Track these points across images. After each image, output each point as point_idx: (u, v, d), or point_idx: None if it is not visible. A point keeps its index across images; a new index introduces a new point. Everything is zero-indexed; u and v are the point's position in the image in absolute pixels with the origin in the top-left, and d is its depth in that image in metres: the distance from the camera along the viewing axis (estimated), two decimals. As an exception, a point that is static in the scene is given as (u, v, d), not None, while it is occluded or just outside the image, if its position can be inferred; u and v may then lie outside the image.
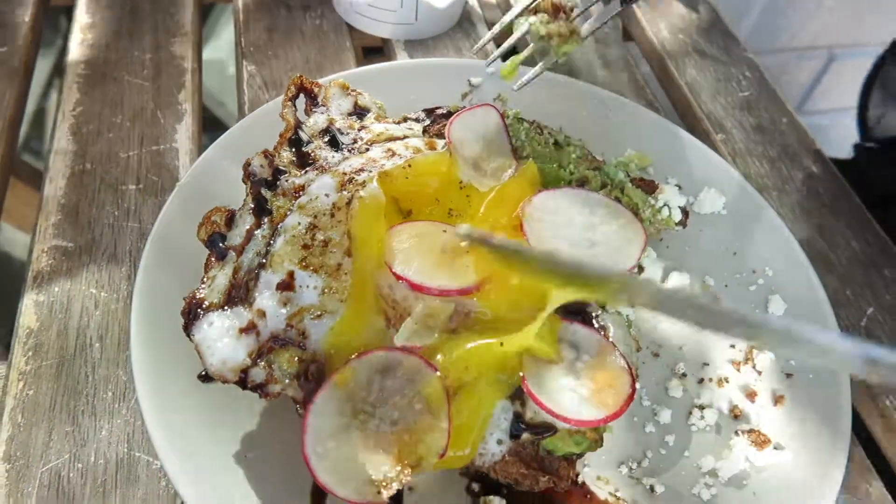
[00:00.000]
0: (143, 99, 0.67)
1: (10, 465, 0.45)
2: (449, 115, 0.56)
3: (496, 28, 0.55)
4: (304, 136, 0.51)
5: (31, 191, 0.93)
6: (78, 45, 0.71)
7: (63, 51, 0.71)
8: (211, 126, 0.75)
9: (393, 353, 0.38)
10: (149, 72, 0.70)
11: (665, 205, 0.56)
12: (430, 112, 0.58)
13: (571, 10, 0.53)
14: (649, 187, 0.57)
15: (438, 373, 0.38)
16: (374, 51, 0.86)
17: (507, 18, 0.54)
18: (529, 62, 0.55)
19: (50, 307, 0.52)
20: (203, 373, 0.45)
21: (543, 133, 0.58)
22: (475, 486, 0.44)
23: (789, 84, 1.57)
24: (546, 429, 0.40)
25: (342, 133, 0.52)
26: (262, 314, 0.41)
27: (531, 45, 0.54)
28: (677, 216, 0.56)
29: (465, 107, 0.55)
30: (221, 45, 1.20)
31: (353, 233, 0.41)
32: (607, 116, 0.66)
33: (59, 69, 1.03)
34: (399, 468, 0.38)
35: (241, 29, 0.75)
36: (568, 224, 0.46)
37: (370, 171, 0.46)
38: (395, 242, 0.42)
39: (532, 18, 0.52)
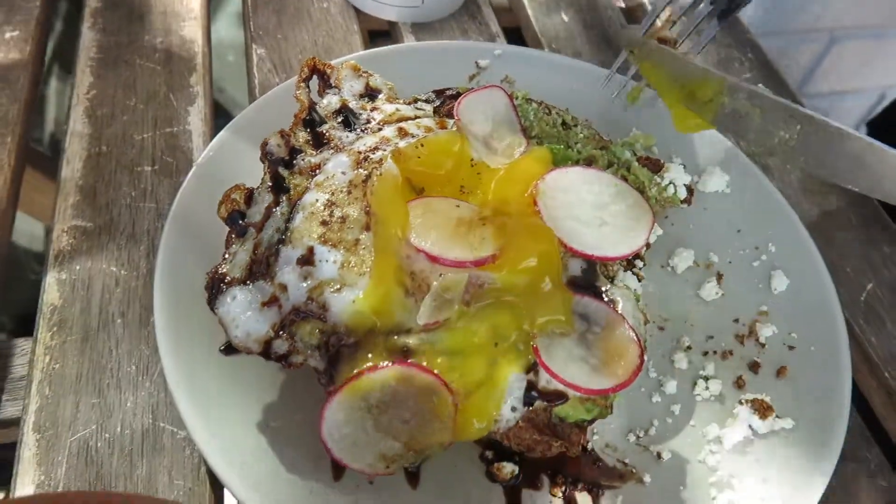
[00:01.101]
0: (155, 82, 0.68)
1: (40, 434, 0.46)
2: (458, 95, 0.57)
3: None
4: (317, 117, 0.52)
5: (34, 174, 0.93)
6: (89, 30, 0.72)
7: (61, 36, 0.71)
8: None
9: (408, 369, 0.40)
10: (160, 56, 0.71)
11: (671, 183, 0.57)
12: (439, 93, 0.59)
13: (676, 42, 0.59)
14: (655, 166, 0.58)
15: (449, 392, 0.39)
16: (381, 34, 0.87)
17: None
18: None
19: (72, 285, 0.54)
20: (224, 346, 0.47)
21: (551, 113, 0.59)
22: (489, 454, 0.46)
23: (790, 66, 1.58)
24: (558, 397, 0.41)
25: (355, 114, 0.53)
26: (284, 288, 0.42)
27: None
28: (682, 193, 0.57)
29: (472, 88, 0.57)
30: (218, 32, 1.20)
31: (373, 209, 0.43)
32: (612, 100, 0.67)
33: (57, 55, 1.03)
34: (408, 451, 0.40)
35: (249, 12, 0.76)
36: (579, 203, 0.47)
37: (384, 150, 0.48)
38: (413, 217, 0.43)
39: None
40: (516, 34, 0.87)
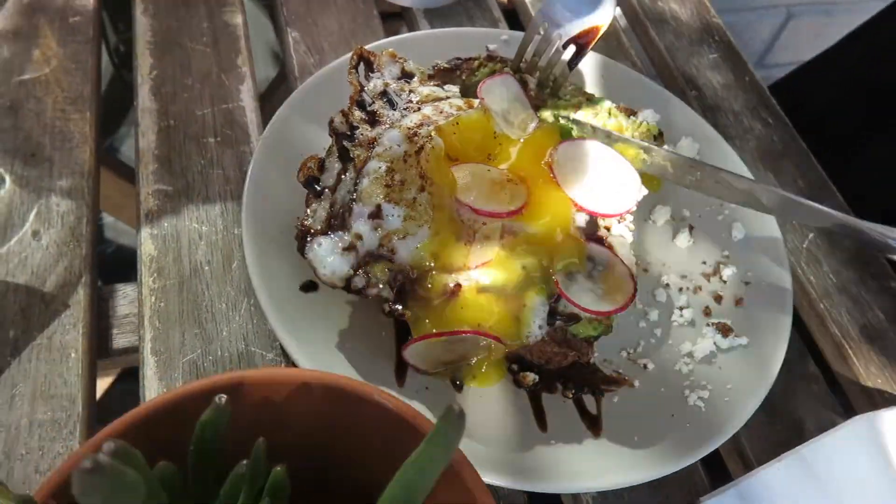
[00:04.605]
0: (207, 63, 0.78)
1: (157, 357, 0.58)
2: (472, 60, 0.70)
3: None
4: (368, 98, 0.63)
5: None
6: (142, 15, 0.81)
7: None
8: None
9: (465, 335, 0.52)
10: (208, 38, 0.80)
11: (644, 121, 0.69)
12: (461, 61, 0.70)
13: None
14: (629, 112, 0.70)
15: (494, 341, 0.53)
16: (393, 16, 0.97)
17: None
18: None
19: (163, 239, 0.64)
20: (303, 284, 0.59)
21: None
22: (514, 367, 0.59)
23: (752, 39, 1.71)
24: (573, 318, 0.54)
25: (396, 94, 0.64)
26: (360, 237, 0.54)
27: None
28: (655, 130, 0.68)
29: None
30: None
31: (427, 174, 0.54)
32: (600, 80, 0.79)
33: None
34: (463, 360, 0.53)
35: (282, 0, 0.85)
36: (585, 169, 0.59)
37: (428, 126, 0.59)
38: (458, 179, 0.55)
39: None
40: (514, 14, 0.98)
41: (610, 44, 0.90)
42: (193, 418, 0.33)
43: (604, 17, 0.68)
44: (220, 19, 0.82)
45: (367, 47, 0.68)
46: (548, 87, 0.70)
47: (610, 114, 0.69)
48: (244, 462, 0.32)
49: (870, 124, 1.11)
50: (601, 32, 0.67)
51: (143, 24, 0.80)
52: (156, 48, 0.78)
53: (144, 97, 0.74)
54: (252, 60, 0.80)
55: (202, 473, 0.34)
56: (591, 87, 0.79)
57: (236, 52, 0.79)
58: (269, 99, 0.77)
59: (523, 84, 0.66)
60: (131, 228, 1.21)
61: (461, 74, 0.70)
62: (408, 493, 0.28)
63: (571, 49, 0.68)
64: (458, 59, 0.71)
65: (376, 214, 0.54)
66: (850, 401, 0.68)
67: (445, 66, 0.70)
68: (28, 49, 0.75)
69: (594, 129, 0.65)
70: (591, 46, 0.68)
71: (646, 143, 0.64)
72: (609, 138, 0.64)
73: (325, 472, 0.38)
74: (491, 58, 0.70)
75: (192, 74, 0.76)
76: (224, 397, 0.31)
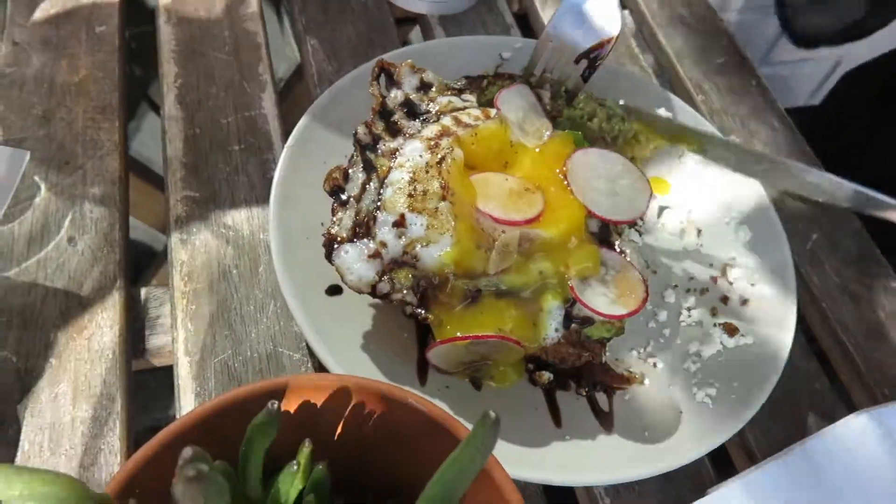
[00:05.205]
0: (229, 72, 0.80)
1: (190, 357, 0.61)
2: (482, 78, 0.71)
3: None
4: (389, 109, 0.66)
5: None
6: (165, 24, 0.83)
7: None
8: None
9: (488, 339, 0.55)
10: (229, 47, 0.83)
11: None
12: (470, 80, 0.73)
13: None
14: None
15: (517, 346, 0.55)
16: (406, 21, 0.99)
17: None
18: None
19: (192, 244, 0.67)
20: (328, 288, 0.62)
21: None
22: (530, 366, 0.62)
23: (758, 38, 1.73)
24: (587, 321, 0.57)
25: (416, 105, 0.67)
26: (384, 244, 0.56)
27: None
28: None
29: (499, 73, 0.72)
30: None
31: (449, 185, 0.57)
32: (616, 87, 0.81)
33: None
34: (484, 361, 0.56)
35: (300, 6, 0.88)
36: (598, 177, 0.62)
37: (448, 138, 0.62)
38: (477, 188, 0.58)
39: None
40: (524, 18, 1.00)
41: (618, 48, 0.92)
42: (241, 419, 0.36)
43: (613, 29, 0.71)
44: (241, 27, 0.84)
45: (385, 57, 0.71)
46: (562, 98, 0.72)
47: (623, 119, 0.72)
48: (294, 461, 0.35)
49: (875, 118, 1.14)
50: (612, 45, 0.70)
51: (166, 33, 0.82)
52: (179, 57, 0.80)
53: (170, 105, 0.76)
54: (272, 68, 0.82)
55: (250, 472, 0.37)
56: (598, 90, 0.81)
57: (257, 60, 0.82)
58: (285, 98, 0.79)
59: (538, 98, 0.68)
60: (142, 224, 1.25)
61: (472, 93, 0.72)
62: (447, 490, 0.31)
63: (583, 63, 0.70)
64: (468, 77, 0.73)
65: (400, 223, 0.57)
66: (851, 397, 0.71)
67: (455, 86, 0.72)
68: (57, 58, 0.78)
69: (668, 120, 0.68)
70: (603, 59, 0.70)
71: (711, 132, 0.67)
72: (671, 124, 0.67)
73: (362, 470, 0.41)
74: (499, 75, 0.72)
75: (216, 83, 0.79)
76: (276, 403, 0.34)
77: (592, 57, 0.70)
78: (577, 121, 0.70)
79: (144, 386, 0.70)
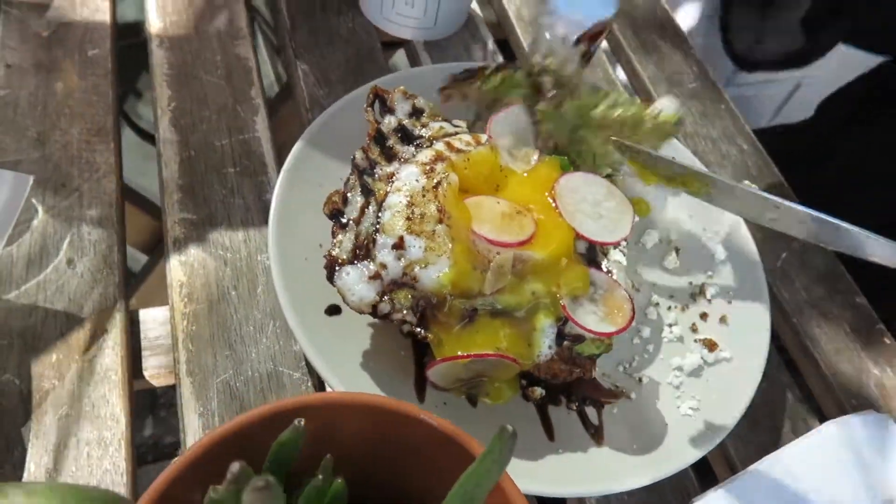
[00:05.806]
0: (222, 95, 0.82)
1: (192, 378, 0.62)
2: (482, 69, 0.73)
3: None
4: (384, 134, 0.68)
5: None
6: (157, 48, 0.85)
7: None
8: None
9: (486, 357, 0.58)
10: (221, 71, 0.84)
11: (661, 110, 0.71)
12: (471, 72, 0.75)
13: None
14: (647, 102, 0.74)
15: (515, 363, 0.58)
16: (391, 45, 1.02)
17: None
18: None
19: (191, 265, 0.68)
20: (328, 308, 0.64)
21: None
22: (523, 382, 0.64)
23: (723, 59, 1.80)
24: (578, 338, 0.60)
25: (409, 130, 0.69)
26: (384, 266, 0.59)
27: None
28: (674, 119, 0.71)
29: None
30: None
31: (446, 208, 0.60)
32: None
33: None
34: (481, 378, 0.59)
35: (290, 32, 0.90)
36: (583, 200, 0.65)
37: (442, 162, 0.64)
38: (472, 211, 0.60)
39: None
40: (505, 43, 1.03)
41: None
42: (262, 438, 0.38)
43: (608, 9, 0.73)
44: (232, 52, 0.86)
45: (377, 83, 0.73)
46: (565, 87, 0.74)
47: (624, 105, 0.73)
48: (319, 476, 0.37)
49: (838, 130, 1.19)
50: (608, 26, 0.72)
51: (159, 57, 0.84)
52: (172, 81, 0.82)
53: (165, 128, 0.78)
54: (264, 91, 0.84)
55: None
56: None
57: (249, 84, 0.84)
58: (271, 117, 0.80)
59: (538, 91, 0.70)
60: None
61: (475, 82, 0.74)
62: (465, 502, 0.34)
63: (581, 48, 0.73)
64: (469, 70, 0.75)
65: (399, 245, 0.59)
66: (821, 408, 0.75)
67: (459, 76, 0.75)
68: (50, 81, 0.78)
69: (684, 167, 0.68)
70: (600, 41, 0.73)
71: (723, 179, 0.67)
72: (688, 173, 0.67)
73: (374, 484, 0.43)
74: (500, 66, 0.74)
75: (209, 106, 0.81)
76: (302, 421, 0.36)
77: (589, 40, 0.72)
78: (581, 110, 0.72)
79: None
